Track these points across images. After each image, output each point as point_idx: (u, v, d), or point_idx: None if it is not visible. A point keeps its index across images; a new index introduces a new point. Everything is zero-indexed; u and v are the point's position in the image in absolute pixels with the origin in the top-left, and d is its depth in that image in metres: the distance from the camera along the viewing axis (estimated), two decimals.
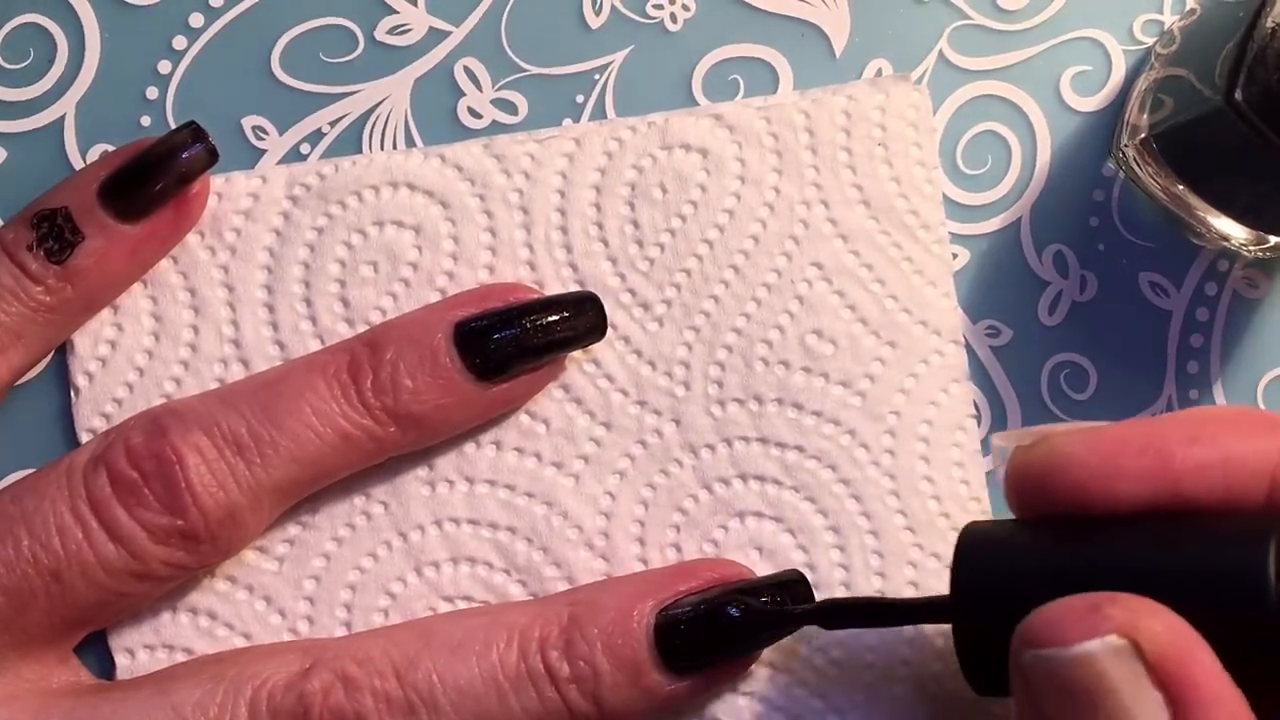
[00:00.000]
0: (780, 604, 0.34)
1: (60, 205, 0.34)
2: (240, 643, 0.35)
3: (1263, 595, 0.26)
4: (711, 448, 0.37)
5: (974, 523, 0.31)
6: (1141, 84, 0.38)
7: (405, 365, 0.34)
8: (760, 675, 0.36)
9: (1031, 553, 0.29)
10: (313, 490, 0.35)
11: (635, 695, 0.33)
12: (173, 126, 0.36)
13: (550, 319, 0.35)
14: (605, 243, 0.37)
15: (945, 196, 0.38)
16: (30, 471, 0.34)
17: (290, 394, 0.33)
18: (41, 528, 0.32)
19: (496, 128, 0.37)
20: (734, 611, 0.33)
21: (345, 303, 0.36)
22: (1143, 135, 0.37)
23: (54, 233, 0.34)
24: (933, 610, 0.31)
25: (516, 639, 0.33)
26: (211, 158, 0.35)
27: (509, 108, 0.38)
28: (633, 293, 0.37)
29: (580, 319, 0.35)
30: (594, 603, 0.34)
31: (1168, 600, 0.26)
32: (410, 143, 0.37)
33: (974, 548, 0.30)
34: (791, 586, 0.34)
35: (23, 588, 0.32)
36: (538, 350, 0.35)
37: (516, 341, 0.34)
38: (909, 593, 0.36)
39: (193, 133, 0.34)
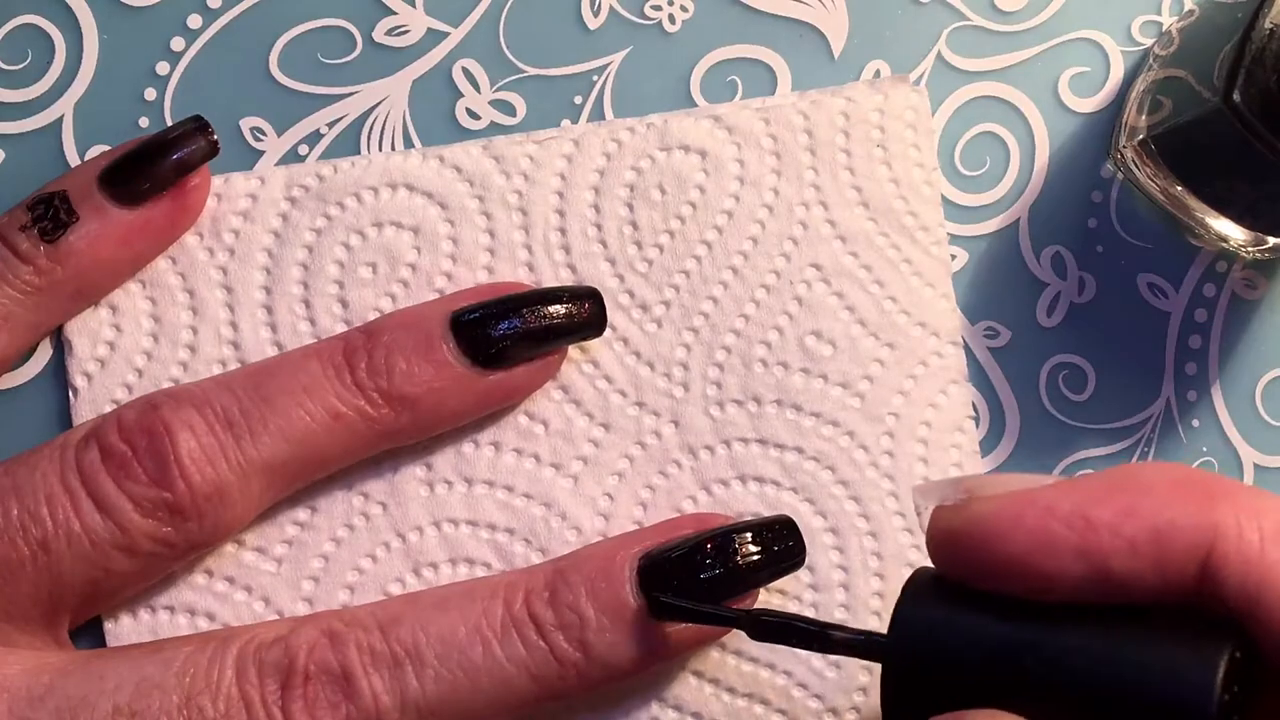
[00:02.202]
0: (767, 545, 0.34)
1: (59, 189, 0.34)
2: None
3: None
4: (710, 449, 0.37)
5: (925, 571, 0.29)
6: (1140, 85, 0.38)
7: (399, 348, 0.34)
8: (759, 677, 0.36)
9: (972, 634, 0.28)
10: (307, 477, 0.35)
11: (622, 639, 0.33)
12: None
13: (549, 308, 0.35)
14: (604, 244, 0.37)
15: (944, 198, 0.38)
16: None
17: (284, 374, 0.34)
18: (31, 497, 0.32)
19: (495, 129, 0.37)
20: (715, 551, 0.33)
21: (344, 304, 0.36)
22: (1141, 136, 0.37)
23: (49, 213, 0.34)
24: (866, 649, 0.30)
25: (502, 592, 0.33)
26: (212, 150, 0.35)
27: (507, 109, 0.38)
28: (631, 294, 0.37)
29: (579, 309, 0.35)
30: (577, 556, 0.34)
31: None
32: (409, 144, 0.37)
33: (921, 605, 0.29)
34: (778, 528, 0.34)
35: (11, 557, 0.32)
36: (535, 337, 0.35)
37: (514, 327, 0.34)
38: None
39: (196, 124, 0.35)
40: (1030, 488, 0.28)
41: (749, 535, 0.34)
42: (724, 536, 0.34)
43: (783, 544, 0.34)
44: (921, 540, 0.36)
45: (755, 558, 0.34)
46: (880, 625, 0.36)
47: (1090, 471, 0.38)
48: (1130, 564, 0.27)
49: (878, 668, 0.36)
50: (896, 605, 0.29)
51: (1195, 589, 0.26)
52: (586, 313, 0.35)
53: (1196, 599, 0.27)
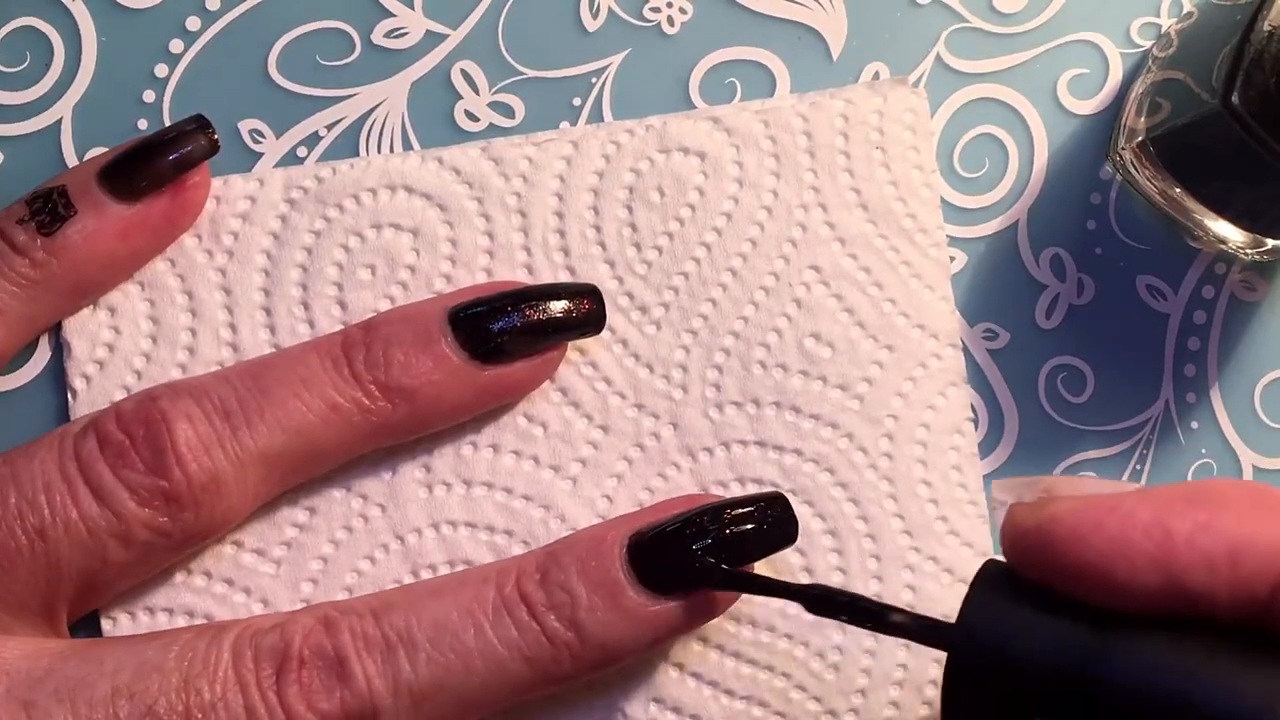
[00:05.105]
0: (758, 519, 0.33)
1: (59, 185, 0.34)
2: None
3: None
4: (709, 451, 0.37)
5: (997, 564, 0.29)
6: (1139, 87, 0.38)
7: (398, 341, 0.34)
8: (758, 679, 0.36)
9: (1039, 631, 0.28)
10: (305, 470, 0.35)
11: (615, 618, 0.33)
12: None
13: (549, 304, 0.35)
14: (603, 246, 0.37)
15: (943, 199, 0.38)
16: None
17: (282, 367, 0.34)
18: (29, 486, 0.32)
19: (494, 131, 0.37)
20: (707, 525, 0.33)
21: (343, 305, 0.36)
22: (1140, 138, 0.37)
23: (47, 207, 0.34)
24: (929, 634, 0.30)
25: (494, 576, 0.33)
26: (212, 148, 0.35)
27: (506, 110, 0.38)
28: (630, 296, 0.37)
29: (579, 305, 0.35)
30: (569, 539, 0.34)
31: None
32: (407, 146, 0.37)
33: (991, 596, 0.28)
34: (768, 502, 0.34)
35: (9, 545, 0.32)
36: (534, 332, 0.35)
37: (513, 322, 0.34)
38: (906, 596, 0.36)
39: (196, 123, 0.35)
40: (1109, 493, 0.28)
41: (739, 510, 0.34)
42: (714, 511, 0.33)
43: (774, 518, 0.34)
44: (920, 543, 0.36)
45: (746, 529, 0.33)
46: None
47: (1091, 475, 0.38)
48: (1204, 579, 0.26)
49: (876, 671, 0.36)
50: (967, 594, 0.29)
51: (1266, 609, 0.26)
52: (586, 309, 0.35)
53: (1266, 620, 0.26)
